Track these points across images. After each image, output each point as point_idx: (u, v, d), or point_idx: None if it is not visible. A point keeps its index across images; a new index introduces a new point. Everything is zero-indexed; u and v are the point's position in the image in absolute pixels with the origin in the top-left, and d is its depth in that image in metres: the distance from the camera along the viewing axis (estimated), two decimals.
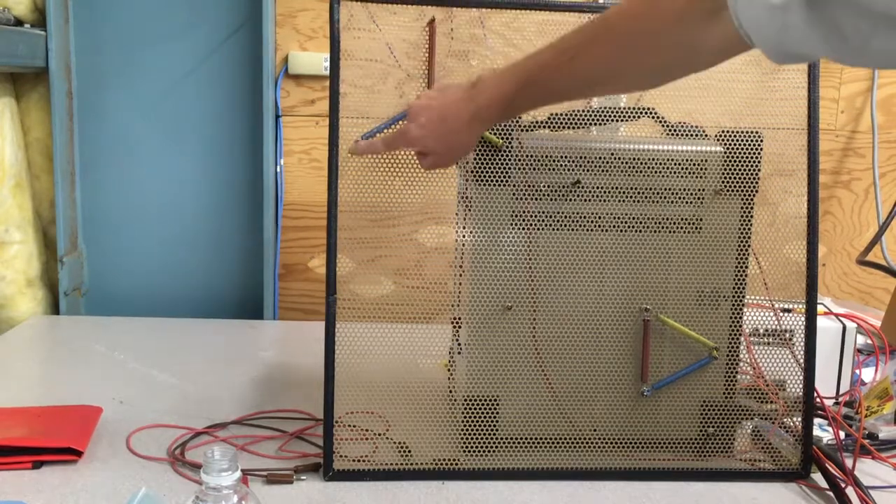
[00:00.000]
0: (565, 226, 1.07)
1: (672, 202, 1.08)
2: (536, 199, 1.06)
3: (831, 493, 1.04)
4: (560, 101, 0.96)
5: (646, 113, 1.10)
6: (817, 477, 1.08)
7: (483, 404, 1.08)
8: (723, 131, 1.09)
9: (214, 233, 1.94)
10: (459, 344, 1.13)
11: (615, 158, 1.07)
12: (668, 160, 1.07)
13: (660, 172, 1.07)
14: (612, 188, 1.07)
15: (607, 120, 1.10)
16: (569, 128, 1.09)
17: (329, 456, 1.03)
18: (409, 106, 1.00)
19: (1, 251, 1.69)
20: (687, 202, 1.08)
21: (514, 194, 1.06)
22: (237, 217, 1.94)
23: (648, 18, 0.79)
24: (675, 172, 1.07)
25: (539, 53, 0.89)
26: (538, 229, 1.07)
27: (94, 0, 1.85)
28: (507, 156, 1.05)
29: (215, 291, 1.96)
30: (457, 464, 1.06)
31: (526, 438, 1.09)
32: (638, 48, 0.81)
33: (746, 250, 1.09)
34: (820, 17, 0.63)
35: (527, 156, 1.05)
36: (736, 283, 1.09)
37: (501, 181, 1.06)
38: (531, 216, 1.06)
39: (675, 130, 1.10)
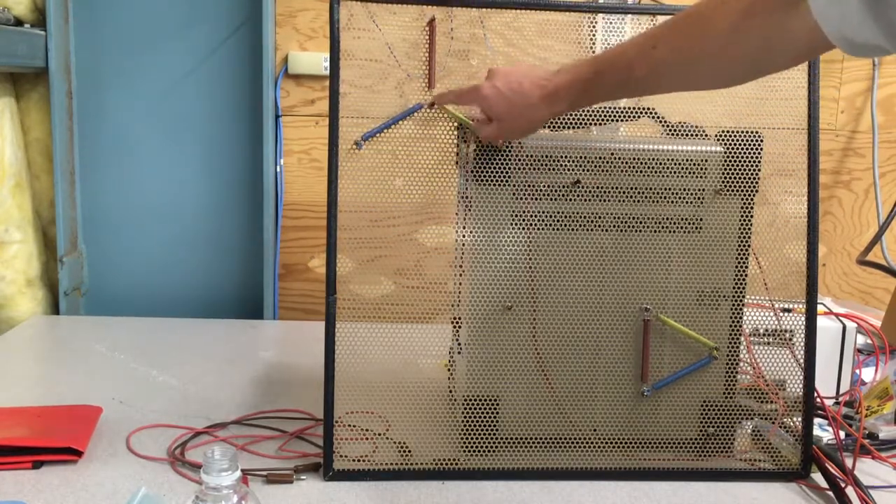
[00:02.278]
0: (565, 226, 1.07)
1: (672, 202, 1.08)
2: (536, 199, 1.06)
3: (831, 493, 1.04)
4: (637, 93, 0.95)
5: (646, 113, 1.10)
6: (817, 477, 1.08)
7: (483, 404, 1.08)
8: (723, 131, 1.09)
9: (214, 233, 1.94)
10: (459, 344, 1.13)
11: (615, 158, 1.07)
12: (668, 160, 1.07)
13: (660, 172, 1.07)
14: (612, 188, 1.07)
15: (607, 120, 1.10)
16: (569, 128, 1.09)
17: (329, 456, 1.03)
18: (490, 69, 1.00)
19: (1, 251, 1.69)
20: (687, 202, 1.08)
21: (514, 194, 1.06)
22: (237, 217, 1.94)
23: (725, 8, 0.79)
24: (675, 172, 1.07)
25: (623, 43, 0.90)
26: (538, 229, 1.07)
27: (94, 0, 1.85)
28: (507, 156, 1.05)
29: (215, 291, 1.96)
30: (457, 464, 1.06)
31: (526, 438, 1.09)
32: (715, 37, 0.81)
33: (746, 250, 1.09)
34: (875, 10, 0.64)
35: (527, 156, 1.05)
36: (736, 283, 1.09)
37: (501, 181, 1.05)
38: (531, 216, 1.06)
39: (675, 130, 1.10)
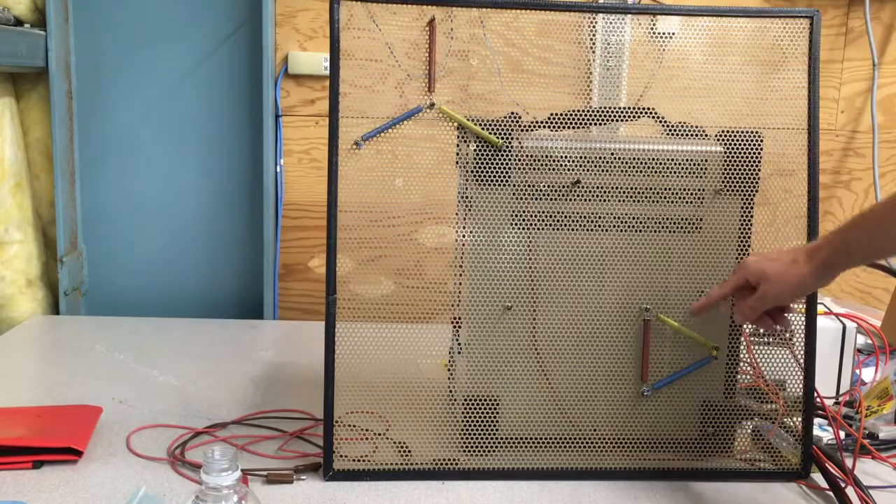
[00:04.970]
0: (565, 226, 1.07)
1: (672, 202, 1.08)
2: (536, 199, 1.06)
3: (831, 493, 1.04)
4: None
5: (646, 113, 1.10)
6: (817, 477, 1.08)
7: (483, 404, 1.08)
8: (723, 131, 1.09)
9: (214, 233, 1.95)
10: (459, 344, 1.13)
11: (615, 158, 1.07)
12: (668, 160, 1.07)
13: (660, 172, 1.07)
14: (612, 188, 1.07)
15: (607, 120, 1.10)
16: (569, 128, 1.09)
17: (329, 456, 1.03)
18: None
19: (1, 251, 1.69)
20: (687, 202, 1.08)
21: (514, 194, 1.06)
22: (237, 217, 1.94)
23: None
24: (675, 172, 1.07)
25: (861, 218, 0.93)
26: (538, 229, 1.07)
27: (94, 0, 1.85)
28: (507, 156, 1.05)
29: (215, 291, 1.96)
30: (457, 464, 1.06)
31: (526, 438, 1.09)
32: None
33: (746, 250, 1.09)
34: None
35: (527, 156, 1.05)
36: None
37: (501, 181, 1.05)
38: (531, 216, 1.06)
39: (675, 130, 1.10)
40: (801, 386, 1.10)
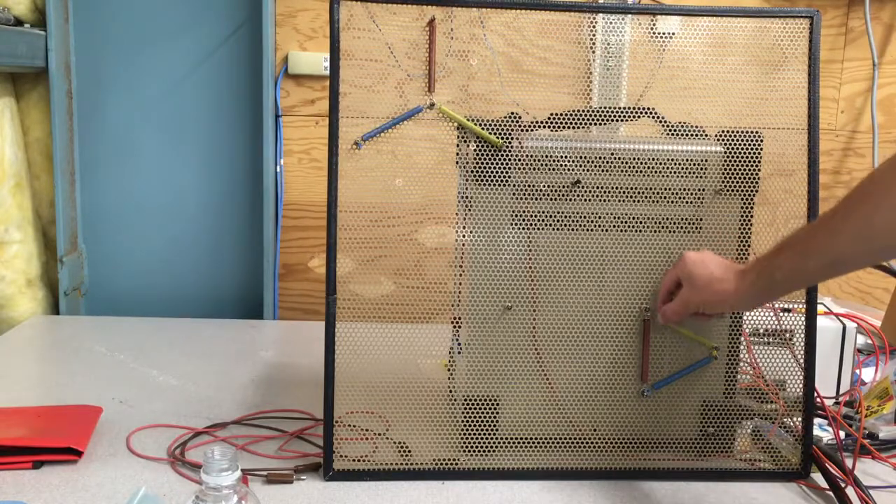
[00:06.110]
0: (565, 226, 1.07)
1: (672, 202, 1.08)
2: (536, 199, 1.06)
3: (831, 493, 1.04)
4: (822, 273, 0.94)
5: (646, 113, 1.10)
6: (817, 477, 1.08)
7: (483, 404, 1.08)
8: (723, 131, 1.09)
9: (214, 233, 1.95)
10: (459, 344, 1.13)
11: (615, 158, 1.07)
12: (668, 160, 1.07)
13: (660, 172, 1.07)
14: (612, 188, 1.07)
15: (607, 120, 1.10)
16: (569, 128, 1.09)
17: (329, 456, 1.03)
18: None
19: (1, 251, 1.69)
20: (687, 202, 1.08)
21: (514, 194, 1.06)
22: (237, 217, 1.94)
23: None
24: (675, 172, 1.07)
25: (809, 224, 0.91)
26: (538, 229, 1.07)
27: (94, 0, 1.85)
28: (507, 156, 1.05)
29: (215, 291, 1.96)
30: (457, 464, 1.06)
31: (526, 438, 1.09)
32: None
33: (746, 250, 1.09)
34: None
35: (527, 156, 1.05)
36: None
37: (501, 181, 1.06)
38: (531, 216, 1.06)
39: (675, 130, 1.10)
40: (801, 386, 1.10)
